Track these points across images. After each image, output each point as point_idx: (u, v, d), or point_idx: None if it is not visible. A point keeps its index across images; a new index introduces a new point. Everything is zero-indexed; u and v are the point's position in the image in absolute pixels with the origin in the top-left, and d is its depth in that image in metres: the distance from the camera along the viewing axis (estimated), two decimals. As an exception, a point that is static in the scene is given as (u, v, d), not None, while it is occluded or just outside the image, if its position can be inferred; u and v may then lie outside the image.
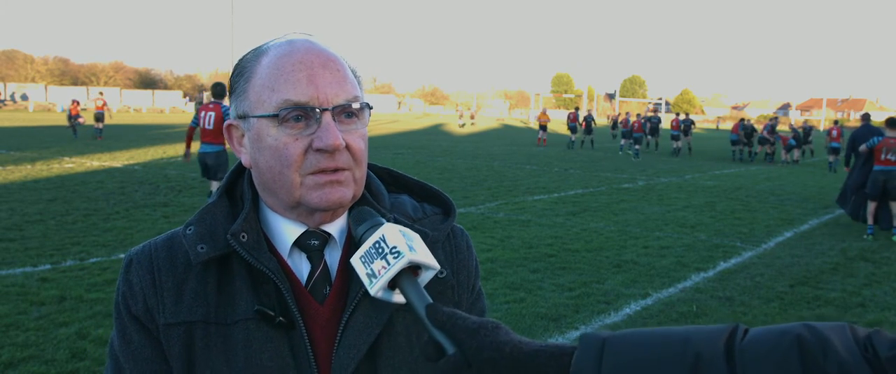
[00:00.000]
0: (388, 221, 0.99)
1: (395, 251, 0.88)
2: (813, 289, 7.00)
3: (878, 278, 7.58)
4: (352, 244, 1.07)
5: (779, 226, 10.89)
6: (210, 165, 9.19)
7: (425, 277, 0.92)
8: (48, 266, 6.76)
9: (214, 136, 9.04)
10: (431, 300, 0.88)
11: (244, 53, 1.05)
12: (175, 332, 1.00)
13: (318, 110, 0.97)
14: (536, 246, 8.45)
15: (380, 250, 0.90)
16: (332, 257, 1.06)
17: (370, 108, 1.04)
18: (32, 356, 4.52)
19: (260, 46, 1.04)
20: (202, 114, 9.18)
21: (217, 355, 0.99)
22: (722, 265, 7.92)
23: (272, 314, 0.99)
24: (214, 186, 9.24)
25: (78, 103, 27.36)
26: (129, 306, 1.02)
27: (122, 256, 7.24)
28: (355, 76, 1.04)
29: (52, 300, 5.65)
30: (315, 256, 1.05)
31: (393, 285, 0.90)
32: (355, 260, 0.92)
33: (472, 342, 0.81)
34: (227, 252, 1.01)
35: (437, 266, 0.92)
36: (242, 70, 1.03)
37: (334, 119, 0.98)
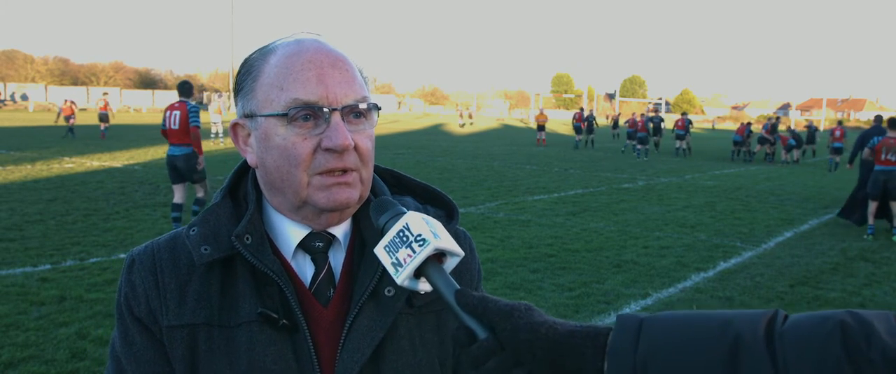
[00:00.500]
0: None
1: (420, 239, 0.87)
2: (813, 289, 7.00)
3: (878, 278, 7.59)
4: (356, 246, 1.07)
5: (779, 226, 10.89)
6: (180, 168, 8.46)
7: (450, 263, 0.91)
8: (48, 266, 6.76)
9: (181, 136, 8.44)
10: (459, 286, 0.87)
11: (250, 53, 1.04)
12: (178, 334, 0.99)
13: (327, 110, 0.96)
14: (536, 246, 8.45)
15: (404, 239, 0.88)
16: (336, 259, 1.06)
17: (378, 108, 1.03)
18: (32, 356, 4.52)
19: (267, 46, 1.03)
20: (168, 114, 8.54)
21: (220, 357, 0.99)
22: (722, 265, 7.92)
23: (275, 316, 0.98)
24: (200, 188, 8.67)
25: (73, 104, 27.19)
26: (131, 307, 1.01)
27: (123, 256, 7.26)
28: (363, 77, 1.03)
29: (52, 300, 5.64)
30: (319, 258, 1.04)
31: (418, 273, 0.89)
32: (379, 250, 0.91)
33: (505, 325, 0.80)
34: (231, 254, 1.00)
35: (462, 252, 0.91)
36: (249, 69, 1.02)
37: (343, 119, 0.97)
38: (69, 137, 24.89)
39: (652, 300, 6.39)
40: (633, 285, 6.88)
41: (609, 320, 5.79)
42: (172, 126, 8.44)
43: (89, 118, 27.91)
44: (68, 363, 4.43)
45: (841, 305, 6.46)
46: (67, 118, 26.33)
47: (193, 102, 8.61)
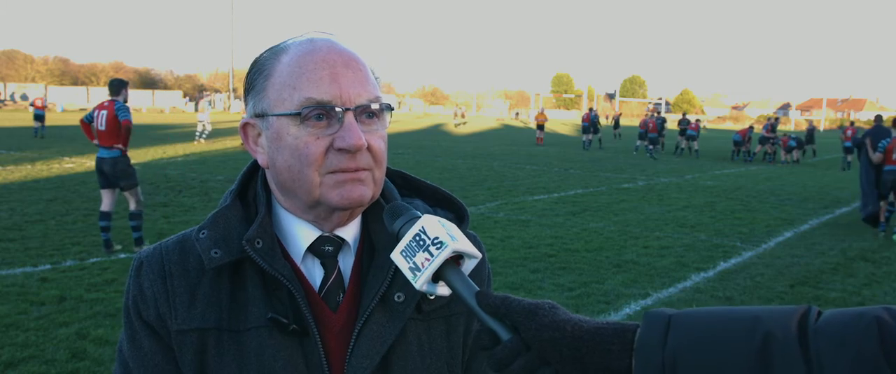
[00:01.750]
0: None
1: (437, 242, 0.86)
2: (813, 289, 7.00)
3: (878, 278, 7.59)
4: (365, 250, 1.06)
5: (779, 226, 10.89)
6: (107, 173, 7.77)
7: (468, 266, 0.90)
8: (48, 266, 6.75)
9: (107, 138, 7.75)
10: (478, 288, 0.86)
11: (261, 52, 1.03)
12: (188, 339, 0.99)
13: (340, 110, 0.95)
14: (536, 246, 8.45)
15: (421, 243, 0.87)
16: (346, 263, 1.05)
17: (391, 109, 1.02)
18: (32, 356, 4.52)
19: (278, 45, 1.02)
20: (96, 113, 7.84)
21: (230, 362, 0.98)
22: (722, 265, 7.92)
23: (285, 321, 0.98)
24: (130, 198, 7.87)
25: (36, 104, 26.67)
26: (139, 310, 1.01)
27: (123, 256, 7.25)
28: (375, 77, 1.03)
29: (52, 300, 5.64)
30: (329, 262, 1.03)
31: (436, 277, 0.88)
32: (396, 255, 0.90)
33: (530, 324, 0.79)
34: (241, 257, 1.00)
35: (479, 254, 0.90)
36: (261, 68, 1.01)
37: (356, 119, 0.97)
38: (34, 134, 24.55)
39: (652, 300, 6.39)
40: (633, 285, 6.87)
41: (609, 320, 5.79)
42: (100, 127, 7.78)
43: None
44: (68, 363, 4.43)
45: (841, 305, 6.46)
46: (36, 117, 25.60)
47: (121, 101, 7.94)
